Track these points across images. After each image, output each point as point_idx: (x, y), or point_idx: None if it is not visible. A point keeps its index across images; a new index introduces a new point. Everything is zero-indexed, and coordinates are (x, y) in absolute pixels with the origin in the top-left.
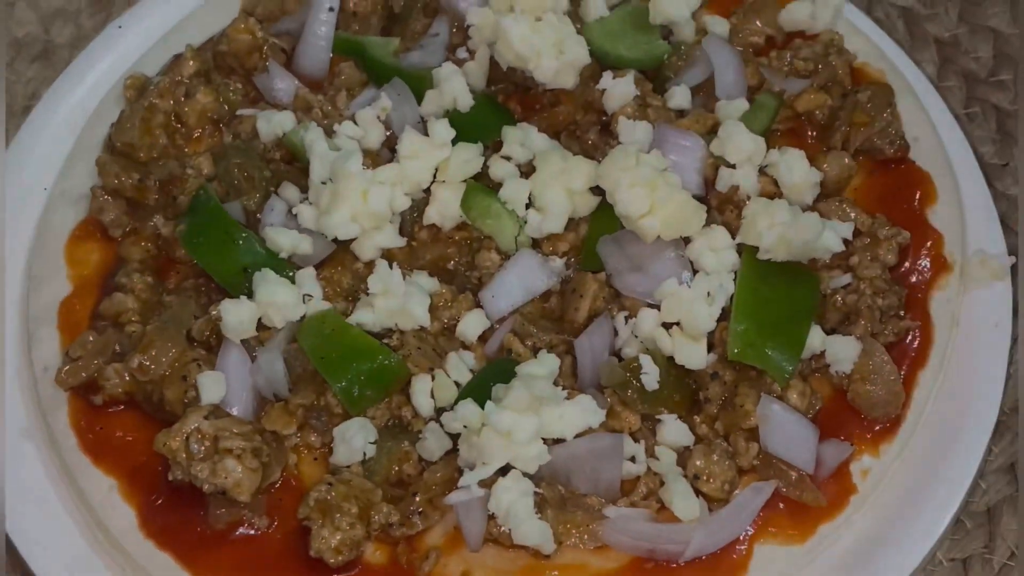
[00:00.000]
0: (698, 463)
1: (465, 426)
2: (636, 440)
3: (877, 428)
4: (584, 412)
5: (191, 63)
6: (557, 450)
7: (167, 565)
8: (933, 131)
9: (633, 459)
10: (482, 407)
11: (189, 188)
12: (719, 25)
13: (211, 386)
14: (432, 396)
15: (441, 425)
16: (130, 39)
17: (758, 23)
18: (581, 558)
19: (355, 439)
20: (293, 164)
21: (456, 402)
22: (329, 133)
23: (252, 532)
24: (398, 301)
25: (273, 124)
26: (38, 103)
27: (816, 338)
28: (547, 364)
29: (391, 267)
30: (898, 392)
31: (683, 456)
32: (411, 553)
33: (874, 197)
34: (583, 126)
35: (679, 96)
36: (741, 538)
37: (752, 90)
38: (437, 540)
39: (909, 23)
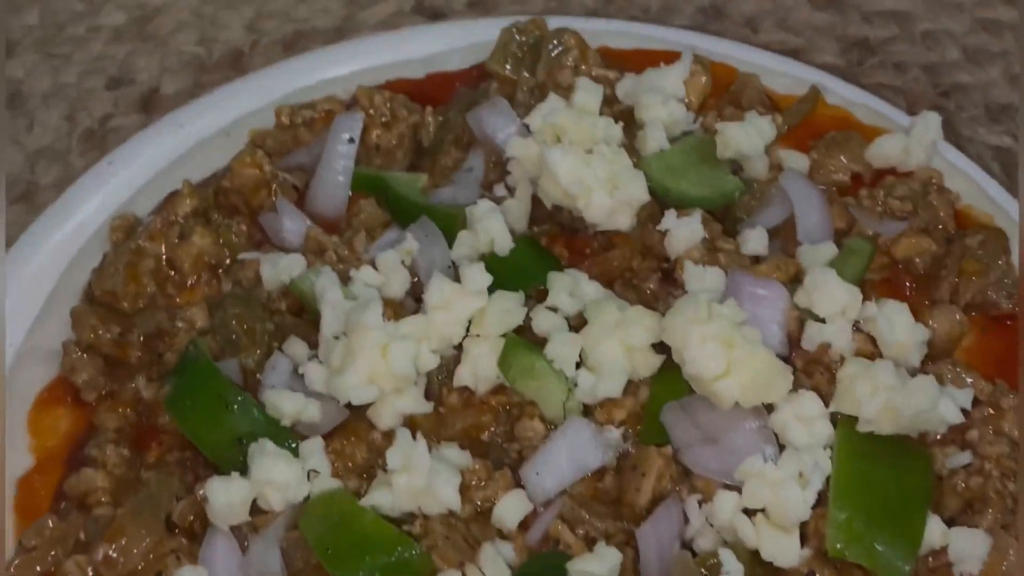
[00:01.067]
0: None
1: None
2: None
3: None
4: None
5: (188, 200)
6: None
7: None
8: None
9: None
10: None
11: (179, 344)
12: (797, 160)
13: None
14: None
15: None
16: (121, 177)
17: (842, 159)
18: None
19: None
20: (302, 316)
21: None
22: (344, 280)
23: None
24: (422, 479)
25: (279, 269)
26: (12, 247)
27: (935, 530)
28: (606, 560)
29: (415, 437)
30: None
31: None
32: None
33: (990, 360)
34: (641, 274)
35: (754, 239)
36: None
37: (839, 234)
38: None
39: (1005, 164)
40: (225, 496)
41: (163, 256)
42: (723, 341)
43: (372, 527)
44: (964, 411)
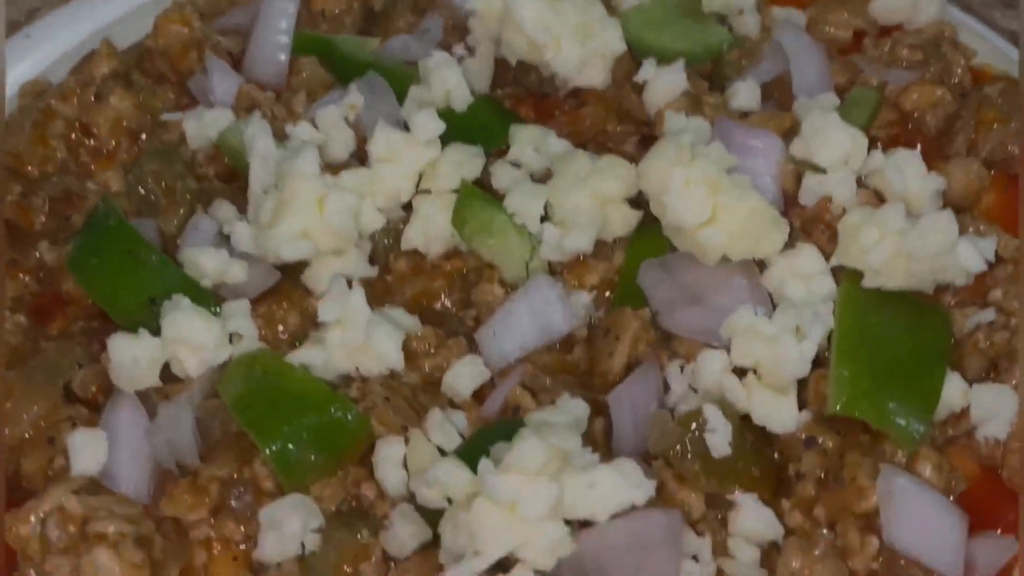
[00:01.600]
0: (793, 564)
1: (449, 498)
2: (699, 532)
3: None
4: (625, 481)
5: (106, 61)
6: (585, 537)
7: None
8: None
9: (696, 558)
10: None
11: (89, 207)
12: (793, 17)
13: (86, 449)
14: (405, 467)
15: (416, 507)
16: (43, 49)
17: (844, 14)
18: None
19: (290, 525)
20: (232, 184)
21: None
22: (280, 137)
23: None
24: (359, 334)
25: (205, 124)
26: None
27: (955, 389)
28: (569, 411)
29: (350, 286)
30: None
31: (769, 555)
32: None
33: (1014, 220)
34: (617, 137)
35: (744, 93)
36: None
37: (840, 90)
38: None
39: None
40: (130, 353)
41: (77, 120)
42: (708, 185)
43: (300, 384)
44: (986, 266)
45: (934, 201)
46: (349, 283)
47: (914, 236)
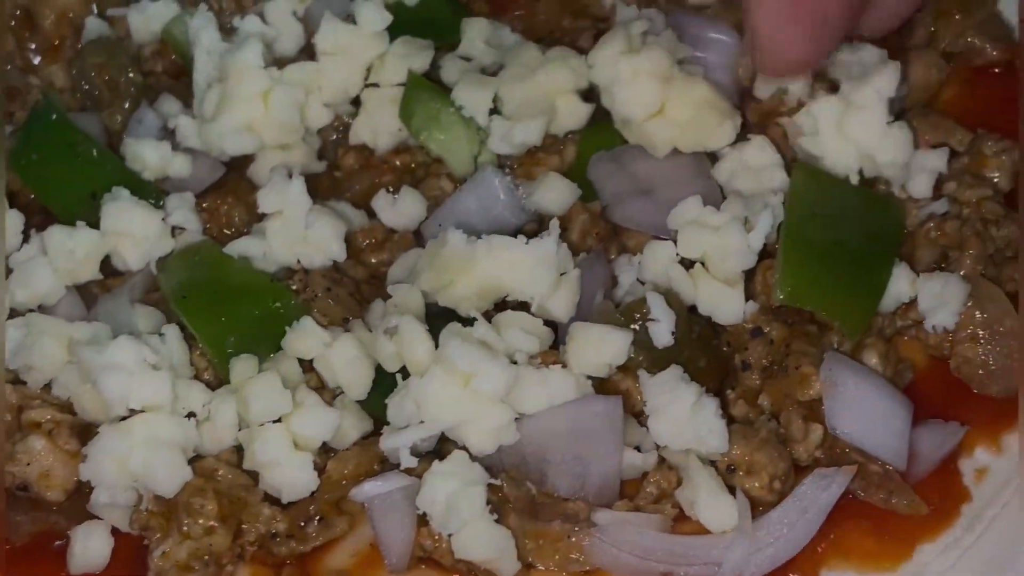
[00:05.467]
0: (735, 451)
1: (404, 370)
2: (642, 422)
3: (996, 410)
4: (575, 386)
5: None
6: (527, 425)
7: None
8: None
9: (639, 448)
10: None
11: (32, 101)
12: None
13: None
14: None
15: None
16: None
17: None
18: None
19: (224, 413)
20: (180, 80)
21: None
22: (226, 30)
23: None
24: (300, 223)
25: (149, 16)
26: None
27: (902, 279)
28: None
29: (290, 177)
30: None
31: None
32: None
33: (971, 113)
34: (572, 32)
35: None
36: (800, 559)
37: None
38: (344, 561)
39: None
40: (67, 245)
41: (23, 8)
42: (657, 75)
43: (239, 275)
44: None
45: (894, 92)
46: (290, 174)
47: (868, 142)
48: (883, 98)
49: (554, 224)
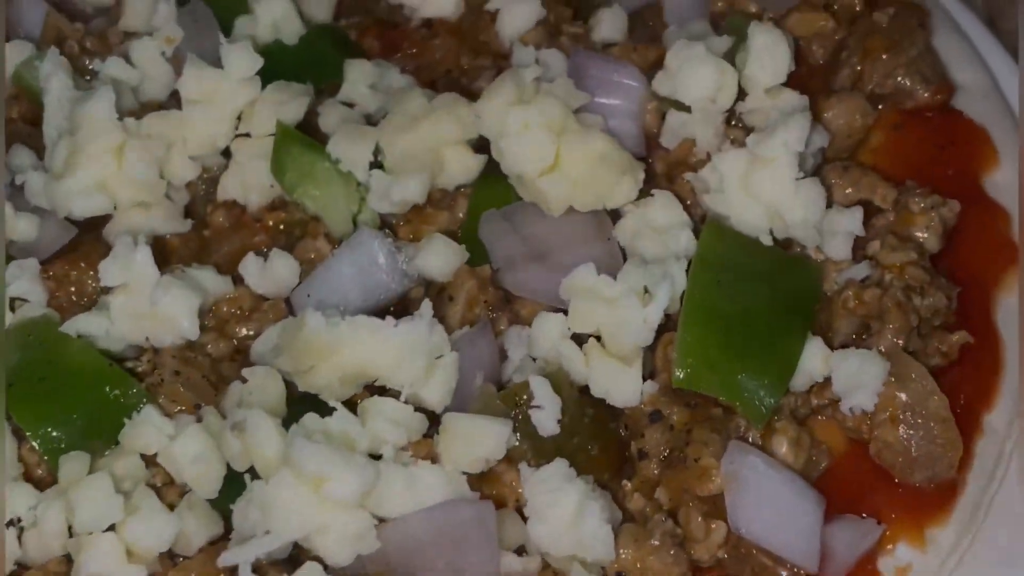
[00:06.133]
0: (625, 556)
1: (251, 469)
2: (524, 517)
3: (920, 501)
4: (449, 485)
5: None
6: (391, 530)
7: None
8: (987, 74)
9: (521, 551)
10: None
11: None
12: None
13: None
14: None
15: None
16: None
17: None
18: None
19: (51, 519)
20: (37, 127)
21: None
22: (85, 73)
23: None
24: (145, 300)
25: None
26: None
27: (815, 356)
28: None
29: (136, 243)
30: (952, 440)
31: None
32: None
33: (901, 161)
34: (471, 72)
35: (608, 23)
36: None
37: (717, 18)
38: None
39: None
40: None
41: None
42: (550, 127)
43: (76, 358)
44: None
45: (812, 144)
46: (136, 241)
47: (786, 195)
48: (791, 151)
49: (427, 305)
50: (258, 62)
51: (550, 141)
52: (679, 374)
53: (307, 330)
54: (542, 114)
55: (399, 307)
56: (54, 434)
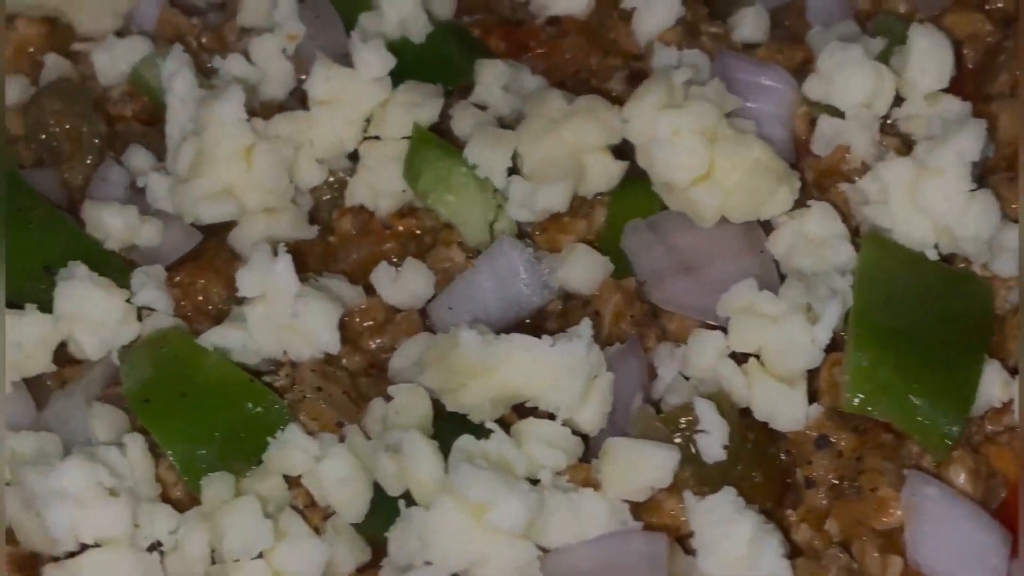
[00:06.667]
0: None
1: (407, 495)
2: (688, 548)
3: None
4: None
5: None
6: (553, 562)
7: None
8: None
9: None
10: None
11: None
12: None
13: None
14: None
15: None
16: None
17: None
18: None
19: (194, 543)
20: (154, 126)
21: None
22: (205, 72)
23: None
24: (286, 310)
25: (116, 55)
26: None
27: (994, 380)
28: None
29: (275, 253)
30: None
31: None
32: None
33: None
34: (601, 73)
35: (750, 22)
36: None
37: (863, 17)
38: None
39: None
40: (15, 335)
41: None
42: (703, 133)
43: (214, 372)
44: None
45: (978, 151)
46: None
47: (953, 209)
48: (966, 162)
49: (586, 323)
50: (391, 61)
51: (703, 148)
52: (853, 399)
53: (461, 348)
54: (695, 119)
55: (534, 321)
56: (195, 453)
